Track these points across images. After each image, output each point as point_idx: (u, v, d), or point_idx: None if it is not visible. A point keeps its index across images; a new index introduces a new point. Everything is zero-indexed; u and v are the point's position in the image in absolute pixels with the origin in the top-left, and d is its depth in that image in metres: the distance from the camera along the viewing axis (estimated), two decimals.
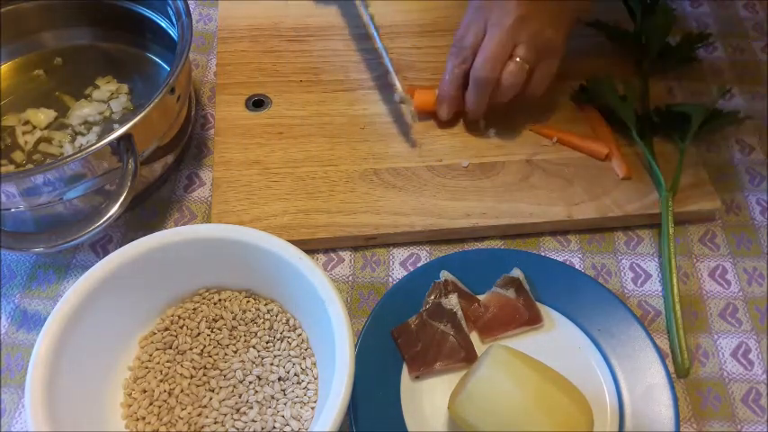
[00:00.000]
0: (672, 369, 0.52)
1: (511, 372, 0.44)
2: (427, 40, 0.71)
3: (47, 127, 0.62)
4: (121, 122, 0.53)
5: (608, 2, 0.73)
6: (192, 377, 0.48)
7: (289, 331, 0.50)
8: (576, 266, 0.57)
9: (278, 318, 0.51)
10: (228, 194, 0.58)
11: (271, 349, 0.50)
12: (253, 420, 0.46)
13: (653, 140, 0.62)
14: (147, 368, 0.49)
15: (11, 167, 0.59)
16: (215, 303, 0.51)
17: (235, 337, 0.50)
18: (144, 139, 0.54)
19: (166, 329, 0.50)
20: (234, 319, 0.51)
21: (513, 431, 0.43)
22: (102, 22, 0.67)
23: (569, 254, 0.58)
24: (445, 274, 0.54)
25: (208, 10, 0.76)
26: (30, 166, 0.59)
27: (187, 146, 0.64)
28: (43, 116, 0.62)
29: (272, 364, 0.49)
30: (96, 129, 0.62)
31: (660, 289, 0.57)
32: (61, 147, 0.61)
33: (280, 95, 0.66)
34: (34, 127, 0.62)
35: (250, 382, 0.48)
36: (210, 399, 0.48)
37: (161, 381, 0.48)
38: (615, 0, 0.72)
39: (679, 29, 0.74)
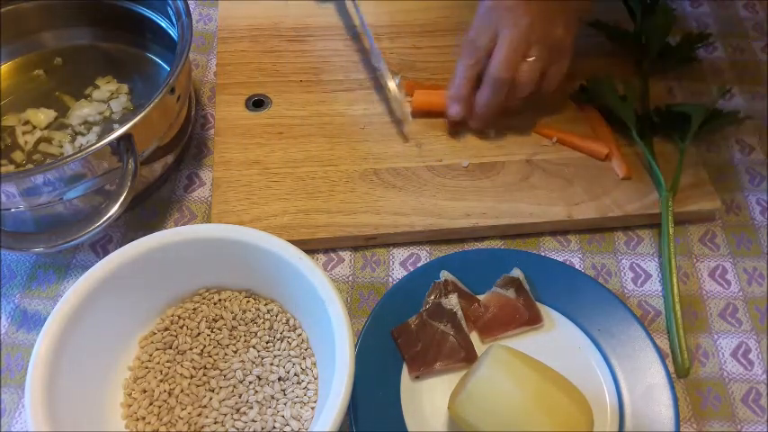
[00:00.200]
0: (672, 369, 0.52)
1: (511, 372, 0.44)
2: (427, 40, 0.71)
3: (47, 127, 0.62)
4: (121, 122, 0.53)
5: (608, 2, 0.73)
6: (192, 377, 0.48)
7: (289, 331, 0.50)
8: (576, 266, 0.57)
9: (278, 318, 0.51)
10: (228, 194, 0.58)
11: (271, 349, 0.50)
12: (253, 420, 0.46)
13: (653, 140, 0.62)
14: (147, 368, 0.49)
15: (11, 167, 0.59)
16: (215, 303, 0.51)
17: (235, 337, 0.50)
18: (144, 139, 0.54)
19: (166, 329, 0.50)
20: (234, 319, 0.51)
21: (513, 431, 0.43)
22: (102, 22, 0.67)
23: (569, 254, 0.58)
24: (445, 274, 0.54)
25: (208, 10, 0.76)
26: (30, 166, 0.59)
27: (187, 146, 0.64)
28: (43, 116, 0.62)
29: (272, 364, 0.49)
30: (96, 129, 0.62)
31: (660, 289, 0.57)
32: (61, 147, 0.61)
33: (280, 95, 0.66)
34: (34, 127, 0.62)
35: (250, 382, 0.48)
36: (210, 399, 0.48)
37: (161, 381, 0.48)
38: (615, 0, 0.72)
39: (679, 29, 0.74)
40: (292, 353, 0.49)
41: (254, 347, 0.50)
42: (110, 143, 0.50)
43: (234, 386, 0.48)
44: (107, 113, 0.63)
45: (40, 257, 0.57)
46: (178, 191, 0.61)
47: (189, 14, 0.58)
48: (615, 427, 0.48)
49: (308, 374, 0.48)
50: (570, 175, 0.61)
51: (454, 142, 0.63)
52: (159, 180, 0.60)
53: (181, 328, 0.50)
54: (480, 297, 0.54)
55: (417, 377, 0.50)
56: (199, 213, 0.60)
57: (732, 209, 0.62)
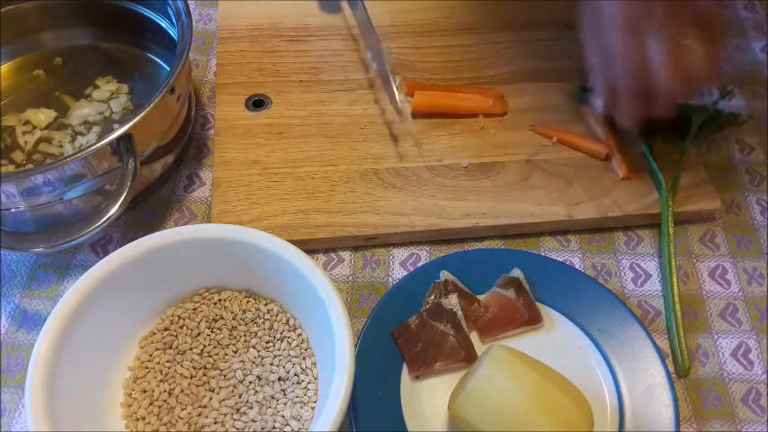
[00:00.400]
0: (672, 369, 0.52)
1: (511, 372, 0.44)
2: (427, 40, 0.71)
3: (47, 127, 0.62)
4: (121, 122, 0.53)
5: None
6: (192, 377, 0.48)
7: (289, 331, 0.50)
8: (576, 266, 0.57)
9: (278, 318, 0.51)
10: (228, 194, 0.58)
11: (271, 349, 0.50)
12: (253, 420, 0.46)
13: (653, 140, 0.62)
14: (147, 368, 0.49)
15: (11, 167, 0.59)
16: (215, 303, 0.51)
17: (235, 337, 0.50)
18: (144, 139, 0.54)
19: (166, 329, 0.50)
20: (234, 319, 0.51)
21: (513, 431, 0.43)
22: (102, 22, 0.67)
23: (569, 254, 0.58)
24: (445, 274, 0.54)
25: (208, 10, 0.76)
26: (30, 166, 0.59)
27: (187, 146, 0.64)
28: (43, 116, 0.62)
29: (272, 364, 0.49)
30: (96, 129, 0.62)
31: (660, 289, 0.57)
32: (61, 147, 0.61)
33: (280, 95, 0.66)
34: (34, 127, 0.62)
35: (250, 382, 0.48)
36: (210, 399, 0.48)
37: (161, 381, 0.48)
38: None
39: None
40: (292, 353, 0.49)
41: (254, 347, 0.50)
42: (110, 143, 0.50)
43: (234, 386, 0.48)
44: (107, 113, 0.63)
45: (40, 257, 0.57)
46: (178, 191, 0.61)
47: (189, 14, 0.58)
48: (615, 427, 0.48)
49: (308, 374, 0.48)
50: (570, 175, 0.61)
51: (454, 142, 0.63)
52: (159, 180, 0.60)
53: (181, 328, 0.50)
54: (480, 297, 0.54)
55: (417, 377, 0.50)
56: (199, 213, 0.60)
57: (732, 209, 0.62)
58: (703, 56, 0.52)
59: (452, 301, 0.52)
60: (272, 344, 0.50)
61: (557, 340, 0.52)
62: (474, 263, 0.55)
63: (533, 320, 0.52)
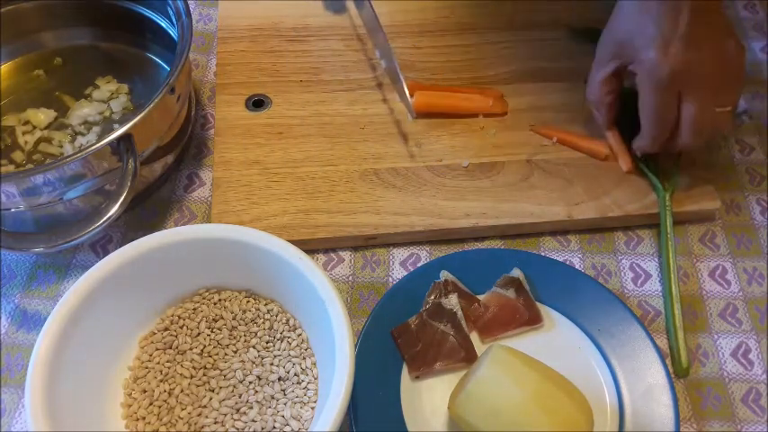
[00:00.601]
0: (672, 369, 0.52)
1: (511, 372, 0.44)
2: (427, 40, 0.71)
3: (47, 127, 0.62)
4: (121, 122, 0.53)
5: (609, 2, 0.73)
6: (192, 377, 0.48)
7: (289, 331, 0.50)
8: (576, 266, 0.57)
9: (278, 318, 0.51)
10: (228, 194, 0.58)
11: (271, 349, 0.50)
12: (253, 420, 0.46)
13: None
14: (147, 368, 0.49)
15: (11, 167, 0.59)
16: (215, 303, 0.51)
17: (235, 337, 0.50)
18: (144, 139, 0.54)
19: (166, 329, 0.50)
20: (234, 319, 0.51)
21: (513, 431, 0.43)
22: (102, 22, 0.67)
23: (569, 254, 0.58)
24: (445, 274, 0.54)
25: (208, 10, 0.76)
26: (30, 166, 0.59)
27: (187, 146, 0.64)
28: (43, 116, 0.62)
29: (272, 364, 0.49)
30: (96, 129, 0.62)
31: (660, 289, 0.57)
32: (61, 147, 0.61)
33: (280, 95, 0.66)
34: (34, 127, 0.62)
35: (250, 382, 0.48)
36: (210, 399, 0.48)
37: (161, 381, 0.48)
38: (616, 1, 0.72)
39: None
40: (292, 353, 0.49)
41: (254, 347, 0.50)
42: (110, 143, 0.50)
43: (234, 386, 0.48)
44: (107, 113, 0.63)
45: (40, 257, 0.57)
46: (178, 191, 0.61)
47: (189, 14, 0.58)
48: (615, 427, 0.48)
49: (308, 374, 0.48)
50: (570, 175, 0.61)
51: (454, 142, 0.63)
52: (159, 180, 0.60)
53: (181, 328, 0.50)
54: (480, 297, 0.54)
55: (417, 377, 0.50)
56: (199, 213, 0.60)
57: (732, 209, 0.62)
58: (727, 114, 0.54)
59: (452, 301, 0.52)
60: (272, 344, 0.50)
61: (557, 340, 0.52)
62: (474, 263, 0.55)
63: (533, 320, 0.52)
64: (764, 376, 0.53)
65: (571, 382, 0.46)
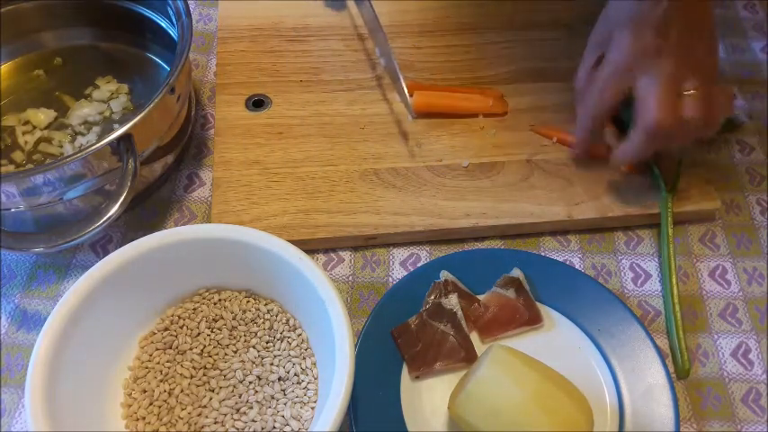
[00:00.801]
0: (672, 369, 0.52)
1: (511, 372, 0.44)
2: (427, 40, 0.71)
3: (47, 127, 0.62)
4: (121, 122, 0.53)
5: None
6: (192, 377, 0.48)
7: (289, 331, 0.50)
8: (576, 266, 0.57)
9: (278, 318, 0.51)
10: (228, 194, 0.58)
11: (271, 349, 0.50)
12: (253, 420, 0.46)
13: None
14: (147, 368, 0.49)
15: (11, 167, 0.59)
16: (215, 303, 0.51)
17: (235, 337, 0.50)
18: (144, 139, 0.54)
19: (166, 329, 0.50)
20: (234, 319, 0.51)
21: (513, 431, 0.43)
22: (102, 22, 0.67)
23: (569, 254, 0.58)
24: (445, 274, 0.54)
25: (208, 10, 0.76)
26: (30, 166, 0.59)
27: (187, 146, 0.64)
28: (43, 116, 0.62)
29: (272, 364, 0.49)
30: (96, 129, 0.62)
31: (660, 289, 0.57)
32: (61, 147, 0.61)
33: (280, 95, 0.66)
34: (34, 127, 0.62)
35: (250, 382, 0.48)
36: (210, 399, 0.48)
37: (161, 381, 0.48)
38: None
39: None
40: (292, 353, 0.49)
41: (254, 347, 0.50)
42: (110, 143, 0.50)
43: (234, 386, 0.48)
44: (107, 113, 0.63)
45: (40, 257, 0.57)
46: (178, 191, 0.61)
47: (189, 14, 0.58)
48: (615, 427, 0.48)
49: (308, 374, 0.48)
50: (570, 175, 0.61)
51: (454, 142, 0.63)
52: (159, 180, 0.60)
53: (181, 328, 0.50)
54: (480, 297, 0.54)
55: (417, 377, 0.50)
56: (199, 213, 0.60)
57: (732, 209, 0.62)
58: (700, 101, 0.52)
59: (452, 301, 0.52)
60: (272, 344, 0.50)
61: (557, 340, 0.52)
62: (474, 263, 0.55)
63: (533, 320, 0.52)
64: (764, 376, 0.53)
65: (571, 382, 0.46)
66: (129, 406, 0.47)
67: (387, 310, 0.52)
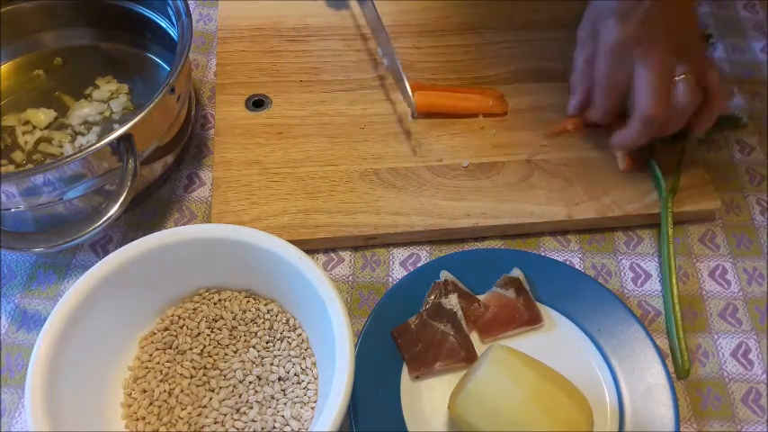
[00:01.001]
0: (672, 369, 0.52)
1: (511, 372, 0.44)
2: (427, 40, 0.71)
3: (47, 127, 0.62)
4: (121, 122, 0.53)
5: None
6: (192, 377, 0.48)
7: (289, 331, 0.50)
8: (576, 266, 0.57)
9: (278, 318, 0.51)
10: (228, 194, 0.58)
11: (271, 349, 0.50)
12: (253, 420, 0.46)
13: (653, 140, 0.62)
14: (147, 368, 0.49)
15: (11, 167, 0.59)
16: (215, 303, 0.51)
17: (235, 337, 0.50)
18: (144, 139, 0.54)
19: (166, 329, 0.50)
20: (234, 319, 0.51)
21: (513, 431, 0.43)
22: (102, 22, 0.67)
23: (569, 254, 0.58)
24: (445, 274, 0.54)
25: (208, 10, 0.76)
26: (30, 166, 0.59)
27: (187, 146, 0.64)
28: (43, 116, 0.62)
29: (272, 364, 0.49)
30: (96, 129, 0.62)
31: (660, 289, 0.57)
32: (61, 147, 0.61)
33: (280, 95, 0.66)
34: (34, 127, 0.62)
35: (250, 382, 0.48)
36: (210, 399, 0.48)
37: (161, 381, 0.48)
38: None
39: None
40: (292, 353, 0.49)
41: (254, 347, 0.50)
42: (110, 143, 0.50)
43: (234, 386, 0.48)
44: (107, 113, 0.63)
45: (40, 257, 0.57)
46: (178, 191, 0.61)
47: (189, 14, 0.58)
48: (615, 427, 0.48)
49: (308, 374, 0.48)
50: (570, 175, 0.61)
51: (454, 142, 0.63)
52: (159, 180, 0.60)
53: (181, 328, 0.50)
54: (480, 297, 0.54)
55: (417, 377, 0.50)
56: (199, 213, 0.60)
57: (732, 209, 0.62)
58: (693, 84, 0.54)
59: (452, 301, 0.52)
60: (272, 344, 0.50)
61: (557, 340, 0.52)
62: (474, 263, 0.55)
63: (533, 320, 0.52)
64: (764, 376, 0.53)
65: (571, 382, 0.46)
66: (129, 406, 0.47)
67: (387, 310, 0.52)
